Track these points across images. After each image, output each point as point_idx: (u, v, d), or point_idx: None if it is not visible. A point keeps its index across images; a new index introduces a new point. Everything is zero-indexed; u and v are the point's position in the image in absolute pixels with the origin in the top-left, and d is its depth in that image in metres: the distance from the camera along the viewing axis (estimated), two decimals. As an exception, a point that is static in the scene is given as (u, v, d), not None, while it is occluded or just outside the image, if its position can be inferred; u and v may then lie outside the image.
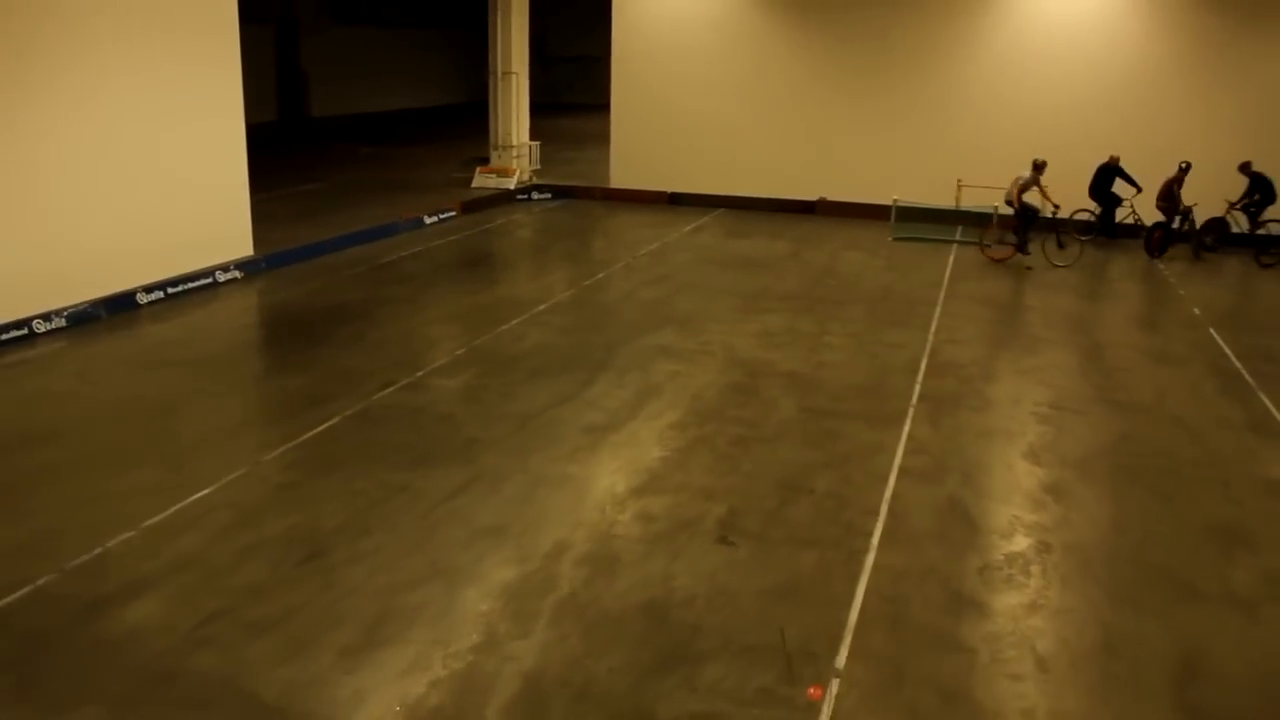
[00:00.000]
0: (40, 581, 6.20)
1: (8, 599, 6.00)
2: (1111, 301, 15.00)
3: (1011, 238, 16.17)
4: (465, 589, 6.24)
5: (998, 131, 19.28)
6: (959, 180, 19.15)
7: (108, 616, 5.87)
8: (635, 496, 7.56)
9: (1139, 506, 7.76)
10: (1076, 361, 11.38)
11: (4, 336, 10.74)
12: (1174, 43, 18.49)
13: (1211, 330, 12.54)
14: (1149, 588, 6.56)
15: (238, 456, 8.07)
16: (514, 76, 22.39)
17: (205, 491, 7.44)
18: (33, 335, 11.06)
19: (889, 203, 18.53)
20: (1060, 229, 16.37)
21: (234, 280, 13.70)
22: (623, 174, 22.00)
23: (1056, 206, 15.71)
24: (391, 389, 9.73)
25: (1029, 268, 15.72)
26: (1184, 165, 16.48)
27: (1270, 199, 16.58)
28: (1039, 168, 15.60)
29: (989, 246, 16.42)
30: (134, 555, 6.55)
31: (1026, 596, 6.38)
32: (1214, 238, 17.12)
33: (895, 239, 17.82)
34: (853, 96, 20.33)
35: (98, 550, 6.58)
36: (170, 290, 12.75)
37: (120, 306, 12.08)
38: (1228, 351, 11.71)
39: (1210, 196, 16.93)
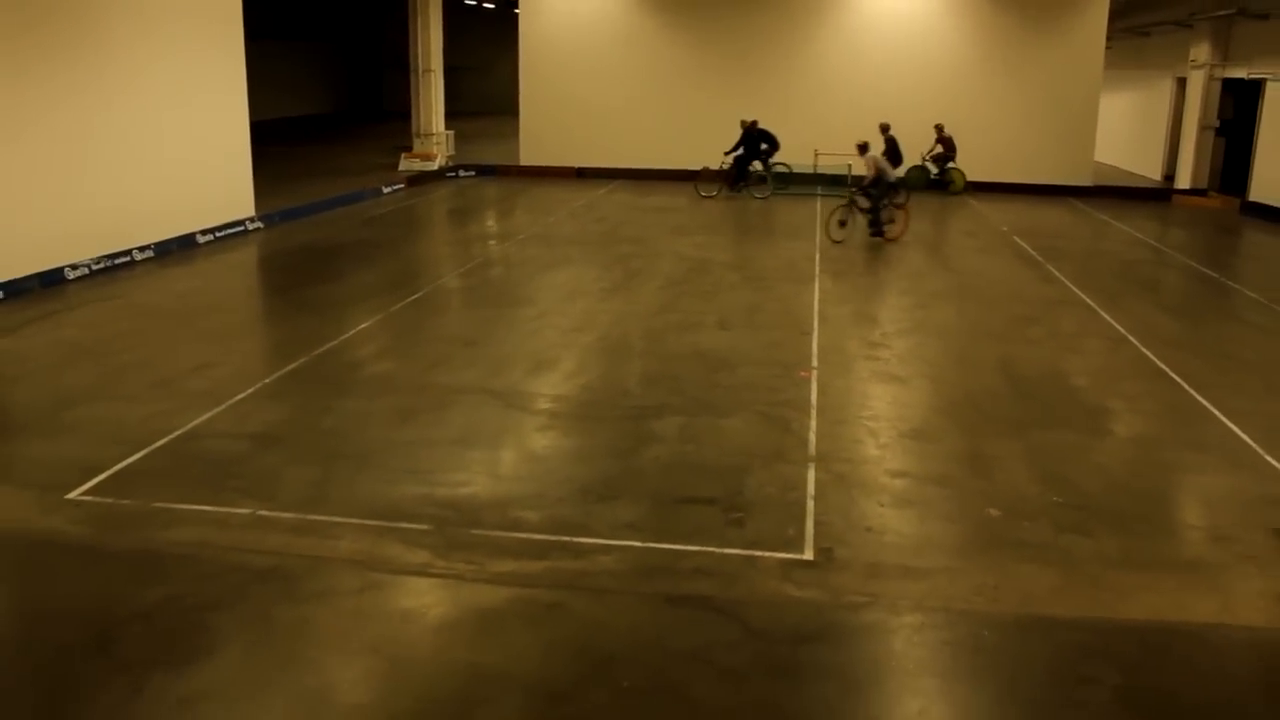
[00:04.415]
0: (301, 360, 9.53)
1: (291, 366, 9.32)
2: (939, 222, 19.67)
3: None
4: (577, 350, 9.95)
5: (844, 109, 24.01)
6: (816, 150, 23.72)
7: (363, 370, 9.28)
8: (655, 314, 11.40)
9: (973, 310, 12.12)
10: (923, 253, 15.83)
11: (117, 261, 13.65)
12: (976, 40, 23.69)
13: (1016, 238, 17.28)
14: (982, 339, 10.84)
15: (369, 311, 11.42)
16: (432, 74, 25.81)
17: (365, 324, 10.83)
18: (133, 262, 13.97)
19: (762, 167, 22.90)
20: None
21: (259, 229, 16.77)
22: (532, 153, 25.73)
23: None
24: (444, 279, 13.23)
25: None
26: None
27: (775, 147, 21.54)
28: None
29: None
30: (349, 349, 9.94)
31: (913, 343, 10.56)
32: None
33: (772, 194, 22.14)
34: (728, 83, 24.71)
35: (319, 350, 9.91)
36: (218, 234, 15.76)
37: (186, 244, 15.05)
38: (1024, 245, 16.42)
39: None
